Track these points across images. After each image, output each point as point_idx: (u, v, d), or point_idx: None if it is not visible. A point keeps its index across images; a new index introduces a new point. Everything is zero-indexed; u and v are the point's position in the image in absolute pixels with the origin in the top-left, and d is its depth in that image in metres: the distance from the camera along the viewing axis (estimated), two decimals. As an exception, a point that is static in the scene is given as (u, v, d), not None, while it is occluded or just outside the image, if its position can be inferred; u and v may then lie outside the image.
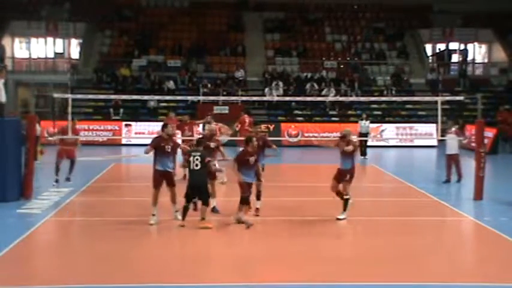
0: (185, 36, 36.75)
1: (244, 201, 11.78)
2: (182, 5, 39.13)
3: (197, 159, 11.62)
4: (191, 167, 11.64)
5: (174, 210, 12.11)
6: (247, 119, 21.81)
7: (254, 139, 12.20)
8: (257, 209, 12.74)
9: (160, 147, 11.94)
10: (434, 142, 27.05)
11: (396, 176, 18.95)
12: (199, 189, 11.62)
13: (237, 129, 21.54)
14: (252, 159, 11.85)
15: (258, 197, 12.76)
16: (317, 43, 37.11)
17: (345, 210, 12.40)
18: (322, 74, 33.87)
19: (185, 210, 11.77)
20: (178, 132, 17.90)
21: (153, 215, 11.86)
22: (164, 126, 12.31)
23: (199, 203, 11.99)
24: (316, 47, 36.81)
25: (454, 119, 18.85)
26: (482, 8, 37.35)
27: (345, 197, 12.40)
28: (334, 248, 10.58)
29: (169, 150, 11.98)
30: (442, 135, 17.55)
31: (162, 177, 12.00)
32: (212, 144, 12.89)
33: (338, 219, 12.37)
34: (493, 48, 37.72)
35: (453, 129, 17.63)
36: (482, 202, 14.80)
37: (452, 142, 17.43)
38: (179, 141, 18.32)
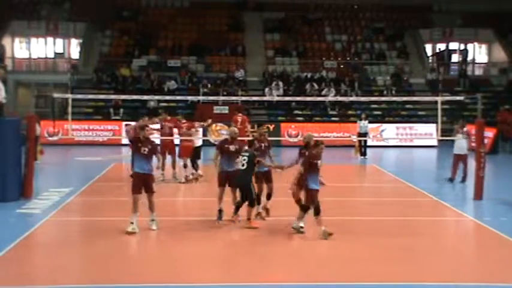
0: (185, 36, 36.76)
1: (306, 210, 11.20)
2: (182, 5, 39.14)
3: (244, 160, 11.79)
4: (239, 167, 11.90)
5: (151, 219, 11.53)
6: (239, 118, 21.80)
7: (323, 145, 11.30)
8: (267, 209, 12.75)
9: (137, 147, 11.61)
10: (434, 142, 27.04)
11: (396, 176, 18.94)
12: (243, 189, 11.79)
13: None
14: (319, 163, 11.21)
15: (269, 197, 12.73)
16: (317, 43, 37.11)
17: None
18: (322, 74, 33.86)
19: (238, 206, 12.02)
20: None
21: (132, 223, 11.23)
22: (142, 129, 11.82)
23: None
24: (316, 47, 36.81)
25: (464, 119, 19.08)
26: (482, 8, 37.36)
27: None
28: (334, 247, 10.56)
29: (145, 152, 11.49)
30: (448, 135, 17.59)
31: (140, 181, 11.46)
32: (231, 147, 12.30)
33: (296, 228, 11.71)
34: (493, 48, 37.72)
35: (465, 129, 17.85)
36: (482, 202, 14.80)
37: (462, 142, 17.57)
38: (177, 141, 18.29)
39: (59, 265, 9.46)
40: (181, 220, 12.59)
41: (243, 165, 11.78)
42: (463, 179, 17.59)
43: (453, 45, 37.40)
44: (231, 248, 10.64)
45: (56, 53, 35.87)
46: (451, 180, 17.49)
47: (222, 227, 11.84)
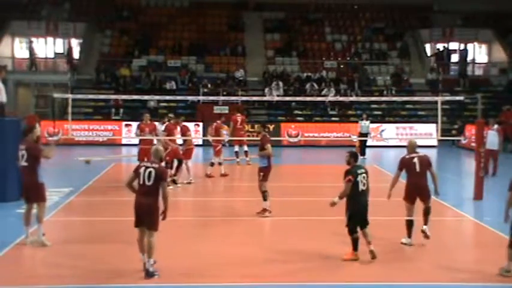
0: (185, 36, 36.77)
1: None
2: (182, 5, 39.12)
3: (364, 178, 9.87)
4: (359, 189, 9.79)
5: (41, 233, 10.40)
6: (239, 118, 21.81)
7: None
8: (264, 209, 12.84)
9: None
10: (434, 142, 27.02)
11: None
12: (364, 214, 9.94)
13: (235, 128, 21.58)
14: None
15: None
16: (317, 43, 37.10)
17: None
18: (322, 74, 33.86)
19: (356, 241, 9.84)
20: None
21: (27, 236, 10.45)
22: (29, 131, 10.89)
23: None
24: (316, 47, 36.80)
25: (495, 118, 20.37)
26: (482, 8, 37.33)
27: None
28: (333, 247, 10.56)
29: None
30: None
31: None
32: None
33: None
34: (493, 48, 37.69)
35: (496, 126, 18.77)
36: (482, 202, 14.80)
37: (494, 139, 18.30)
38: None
39: (59, 265, 9.46)
40: (182, 220, 12.58)
41: (364, 184, 9.84)
42: (494, 173, 18.87)
43: (453, 45, 37.38)
44: (229, 248, 10.63)
45: (56, 53, 35.85)
46: (486, 173, 17.21)
47: (222, 226, 11.82)
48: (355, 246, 9.72)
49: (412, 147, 10.98)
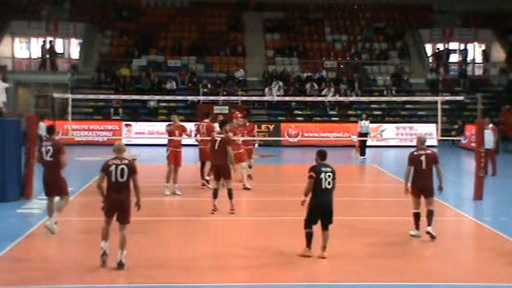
0: (185, 36, 36.77)
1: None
2: (182, 5, 39.14)
3: (329, 176, 9.63)
4: (322, 186, 9.61)
5: (54, 222, 10.89)
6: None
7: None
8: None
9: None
10: (435, 142, 27.01)
11: (396, 176, 18.92)
12: (330, 212, 9.76)
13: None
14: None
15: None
16: (317, 43, 37.12)
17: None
18: (322, 74, 33.87)
19: (310, 237, 9.80)
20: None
21: None
22: (54, 129, 11.55)
23: None
24: (316, 47, 36.82)
25: (490, 118, 20.64)
26: (482, 8, 37.34)
27: None
28: (334, 248, 10.56)
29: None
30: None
31: None
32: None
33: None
34: (493, 48, 37.69)
35: (490, 125, 18.88)
36: (482, 202, 14.81)
37: (489, 138, 18.23)
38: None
39: (59, 265, 9.46)
40: (188, 220, 12.58)
41: (329, 183, 9.61)
42: (493, 173, 19.04)
43: (453, 45, 37.37)
44: (230, 248, 10.63)
45: (56, 53, 35.82)
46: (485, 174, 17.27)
47: (221, 226, 11.81)
48: (308, 242, 9.70)
49: (420, 142, 11.19)
